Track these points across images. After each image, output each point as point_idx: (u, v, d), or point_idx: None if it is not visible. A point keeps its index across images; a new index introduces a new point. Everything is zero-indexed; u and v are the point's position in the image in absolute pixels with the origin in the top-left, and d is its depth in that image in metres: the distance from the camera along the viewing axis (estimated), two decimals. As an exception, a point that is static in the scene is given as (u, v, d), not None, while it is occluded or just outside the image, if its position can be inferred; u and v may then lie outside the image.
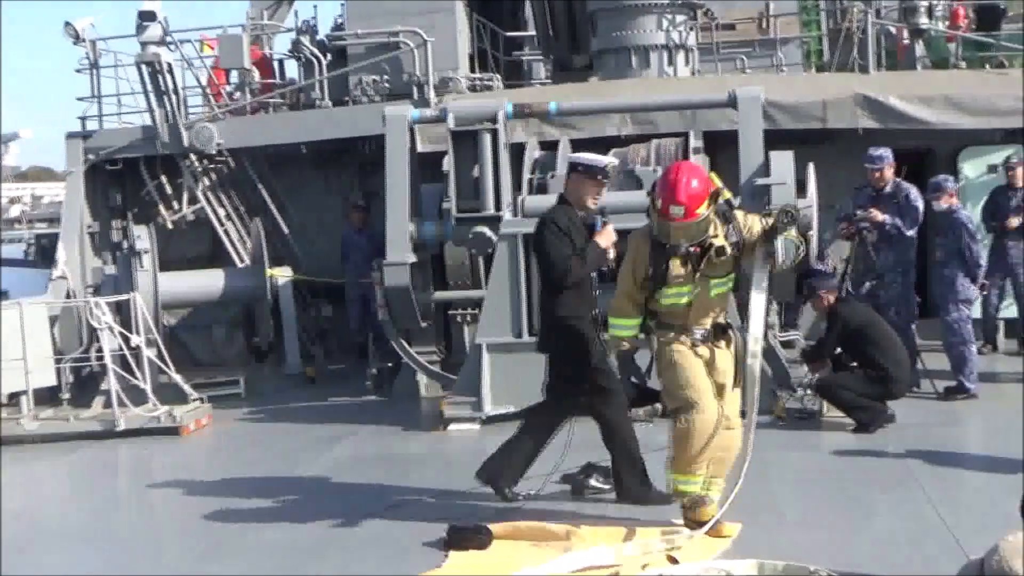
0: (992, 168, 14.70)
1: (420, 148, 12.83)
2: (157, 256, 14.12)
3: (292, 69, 19.10)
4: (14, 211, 54.32)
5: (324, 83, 16.87)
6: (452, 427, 10.98)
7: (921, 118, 14.56)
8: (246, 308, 16.08)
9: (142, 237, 14.05)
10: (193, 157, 16.27)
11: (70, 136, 16.79)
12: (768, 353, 11.48)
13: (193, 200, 16.67)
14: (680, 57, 16.42)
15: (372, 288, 12.39)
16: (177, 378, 12.32)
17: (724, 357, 7.06)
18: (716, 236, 6.85)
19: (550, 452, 8.43)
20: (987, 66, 16.44)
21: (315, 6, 33.97)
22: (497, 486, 8.08)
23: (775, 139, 12.04)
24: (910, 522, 7.35)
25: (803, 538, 7.06)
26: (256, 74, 18.04)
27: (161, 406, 11.78)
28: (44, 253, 22.97)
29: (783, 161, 11.25)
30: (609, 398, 7.92)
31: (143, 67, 15.42)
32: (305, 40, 17.69)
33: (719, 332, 7.05)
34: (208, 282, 15.17)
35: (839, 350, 10.64)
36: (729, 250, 6.88)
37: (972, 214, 12.32)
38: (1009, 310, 14.27)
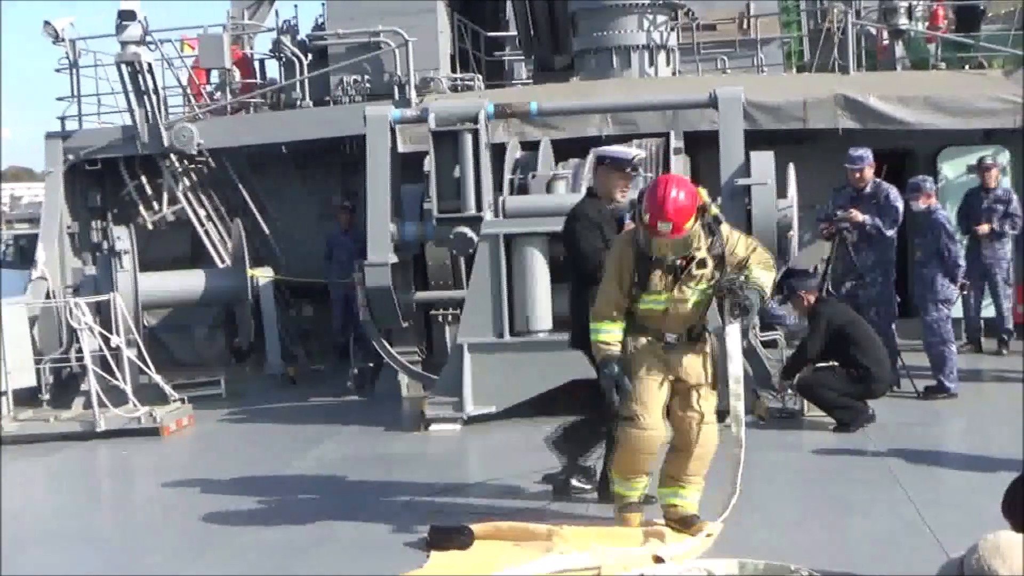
0: (971, 168, 14.76)
1: (401, 148, 12.82)
2: (137, 257, 14.07)
3: (273, 69, 19.11)
4: (-7, 212, 54.17)
5: (305, 83, 16.86)
6: (433, 427, 10.97)
7: (901, 118, 14.63)
8: (227, 309, 16.04)
9: (122, 237, 13.99)
10: (173, 157, 16.24)
11: (49, 136, 16.74)
12: (749, 353, 11.55)
13: (173, 200, 16.63)
14: (661, 57, 16.46)
15: (355, 288, 12.38)
16: (158, 379, 12.28)
17: (695, 360, 7.05)
18: (699, 248, 6.84)
19: (536, 451, 8.45)
20: (967, 67, 16.52)
21: (296, 6, 34.11)
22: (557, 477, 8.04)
23: (756, 139, 12.08)
24: (890, 521, 7.37)
25: (784, 537, 7.08)
26: (237, 74, 18.03)
27: (141, 407, 11.73)
28: (23, 254, 22.96)
29: (763, 161, 11.28)
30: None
31: (123, 67, 15.39)
32: (286, 40, 17.68)
33: (693, 336, 7.06)
34: (189, 283, 15.12)
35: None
36: (711, 263, 6.88)
37: (951, 214, 12.35)
38: (988, 310, 14.36)
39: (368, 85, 16.70)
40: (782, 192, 11.50)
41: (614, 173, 7.85)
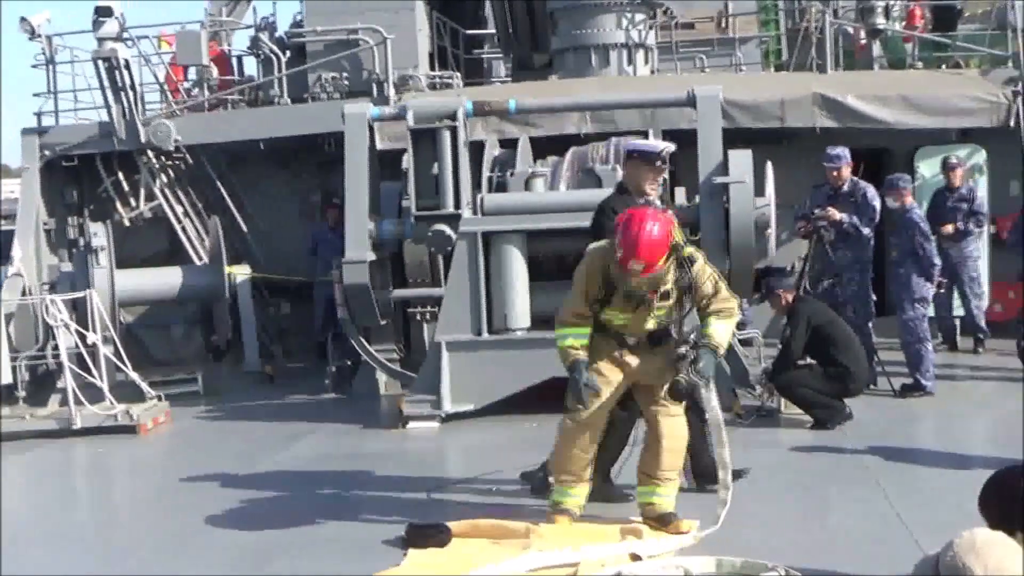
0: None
1: (380, 146, 12.80)
2: (114, 253, 14.01)
3: (251, 66, 19.04)
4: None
5: (283, 80, 16.82)
6: (411, 425, 10.96)
7: (878, 118, 14.70)
8: (204, 306, 15.98)
9: (99, 234, 13.93)
10: (150, 154, 16.17)
11: (26, 132, 16.64)
12: (728, 351, 11.57)
13: (150, 197, 16.57)
14: (639, 56, 16.48)
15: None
16: (134, 376, 12.24)
17: (655, 361, 7.09)
18: (667, 282, 6.83)
19: (513, 449, 8.45)
20: (943, 66, 16.60)
21: (274, 3, 33.74)
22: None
23: (734, 138, 12.10)
24: (867, 518, 7.39)
25: (761, 534, 7.09)
26: (214, 71, 17.96)
27: (118, 404, 11.68)
28: (-1, 250, 22.77)
29: (741, 160, 11.29)
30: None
31: (100, 63, 15.30)
32: (264, 37, 17.63)
33: (655, 339, 7.07)
34: (166, 280, 15.07)
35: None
36: (675, 294, 6.91)
37: (920, 212, 12.34)
38: (960, 309, 14.48)
39: (346, 82, 16.67)
40: (760, 190, 11.52)
41: (643, 166, 7.81)
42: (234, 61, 19.46)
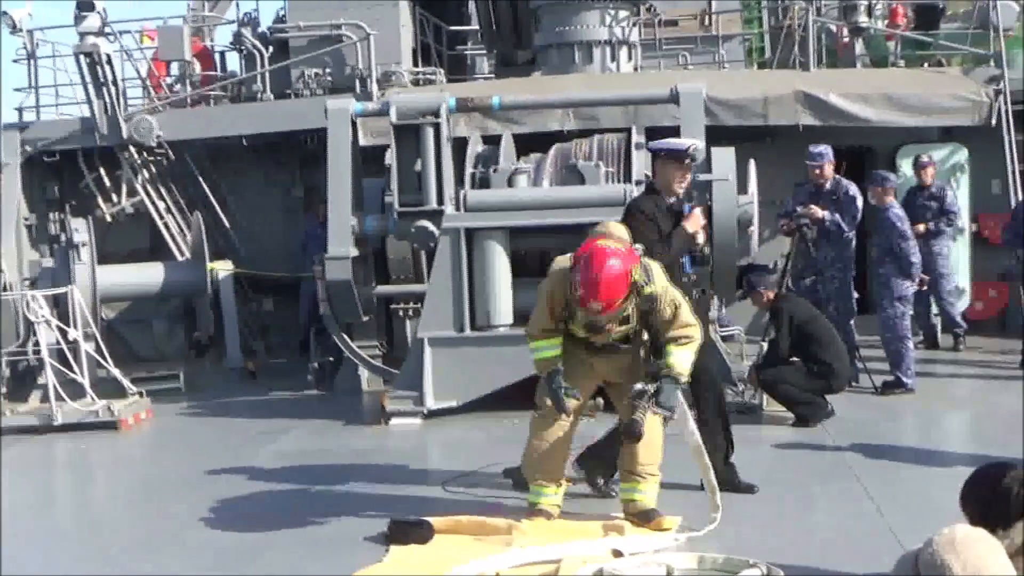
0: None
1: (362, 142, 12.79)
2: (95, 249, 13.96)
3: (233, 62, 18.98)
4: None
5: (266, 76, 16.77)
6: (394, 421, 10.95)
7: (861, 116, 14.73)
8: (186, 302, 15.92)
9: (80, 230, 13.89)
10: (132, 149, 16.11)
11: (7, 127, 16.57)
12: (709, 347, 11.58)
13: (132, 193, 16.50)
14: (623, 53, 16.47)
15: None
16: (115, 372, 12.19)
17: (620, 362, 7.14)
18: (626, 307, 6.80)
19: (496, 445, 8.44)
20: (926, 65, 16.64)
21: (257, -2, 33.73)
22: (591, 478, 7.95)
23: (717, 135, 12.12)
24: (848, 515, 7.42)
25: (742, 531, 7.11)
26: (197, 66, 17.90)
27: (99, 400, 11.64)
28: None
29: (725, 157, 11.30)
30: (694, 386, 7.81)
31: (81, 58, 15.25)
32: (247, 32, 17.56)
33: (623, 341, 7.09)
34: (147, 276, 15.02)
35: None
36: (635, 319, 6.92)
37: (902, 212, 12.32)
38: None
39: (329, 78, 16.62)
40: (743, 188, 11.54)
41: (671, 164, 7.81)
42: (217, 57, 19.37)
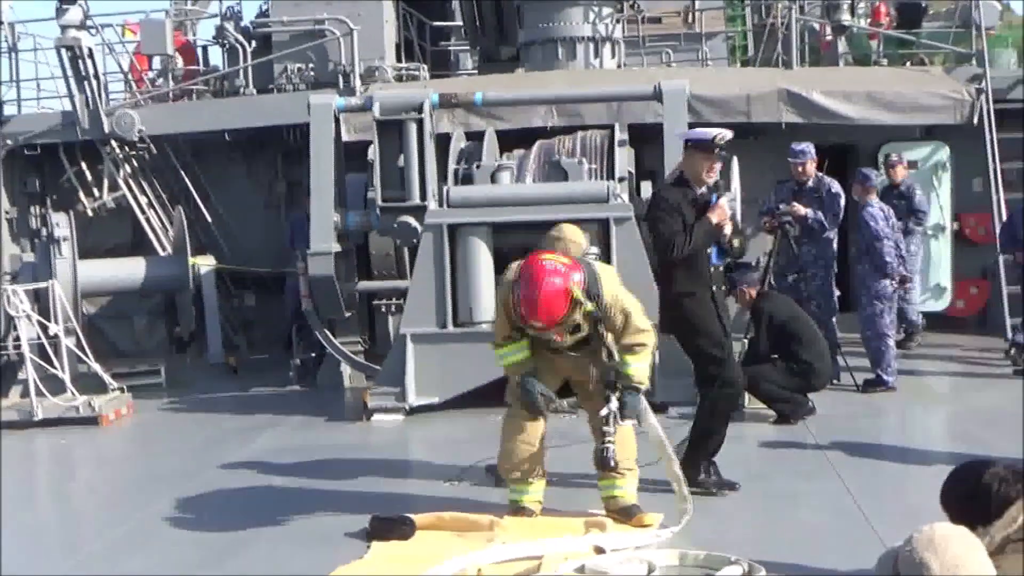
0: (912, 164, 14.92)
1: (345, 137, 12.76)
2: (77, 244, 13.91)
3: (216, 56, 18.93)
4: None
5: (248, 70, 16.72)
6: (376, 417, 10.94)
7: (843, 114, 14.74)
8: (168, 297, 15.88)
9: (61, 224, 13.83)
10: (114, 144, 16.04)
11: (-12, 121, 16.50)
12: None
13: (114, 187, 16.45)
14: (606, 50, 16.47)
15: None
16: (96, 367, 12.16)
17: (583, 361, 7.16)
18: (574, 318, 6.81)
19: (478, 441, 8.43)
20: (908, 63, 16.69)
21: (240, -7, 33.63)
22: (700, 483, 7.83)
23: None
24: (829, 512, 7.44)
25: (723, 528, 7.13)
26: (179, 60, 17.84)
27: (80, 396, 11.61)
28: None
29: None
30: (713, 377, 7.78)
31: (63, 51, 15.18)
32: (229, 26, 17.50)
33: (583, 342, 7.10)
34: (129, 270, 14.97)
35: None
36: (586, 327, 6.92)
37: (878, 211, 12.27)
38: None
39: (312, 73, 16.58)
40: (725, 185, 11.54)
41: (698, 154, 7.74)
42: (199, 51, 19.33)
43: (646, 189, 12.52)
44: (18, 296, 12.06)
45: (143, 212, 16.28)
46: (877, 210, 11.72)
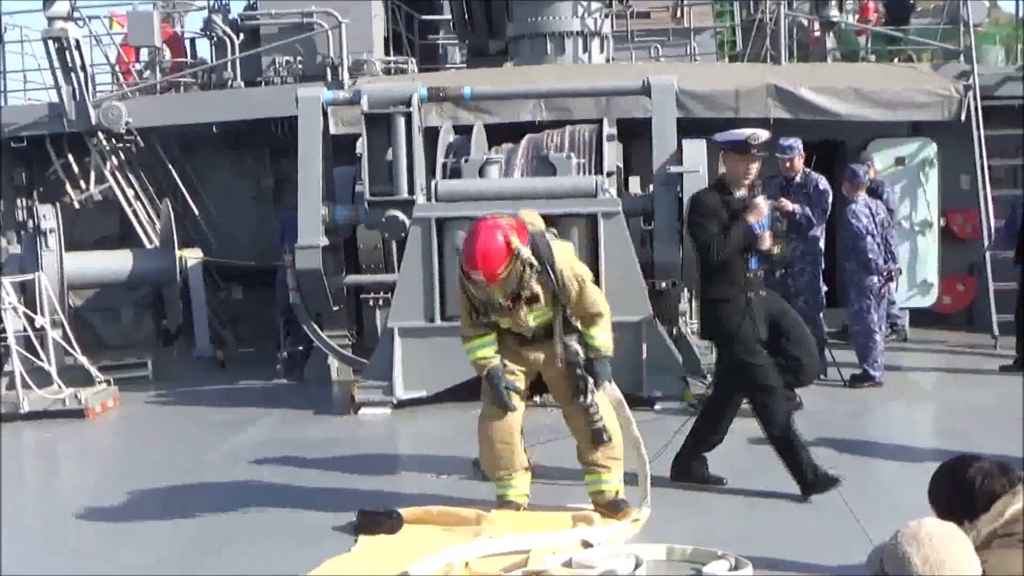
0: (900, 160, 14.96)
1: (333, 130, 12.74)
2: (63, 236, 13.87)
3: (204, 48, 18.89)
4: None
5: (236, 63, 16.68)
6: (363, 411, 10.94)
7: (831, 110, 14.77)
8: (155, 290, 15.85)
9: (48, 216, 13.80)
10: (101, 136, 15.99)
11: (-27, 113, 16.45)
12: (680, 341, 11.62)
13: (101, 179, 16.41)
14: (595, 44, 16.48)
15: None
16: (83, 360, 12.13)
17: (551, 349, 7.12)
18: (528, 284, 6.83)
19: (465, 436, 8.42)
20: (896, 59, 16.72)
21: (228, -15, 33.56)
22: (697, 476, 7.97)
23: (688, 127, 12.12)
24: (815, 507, 7.45)
25: (711, 523, 7.14)
26: (167, 53, 17.80)
27: (66, 388, 11.57)
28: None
29: (696, 149, 11.33)
30: (748, 388, 7.78)
31: (50, 43, 15.13)
32: (217, 19, 17.47)
33: (550, 332, 7.10)
34: (116, 263, 14.94)
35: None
36: (543, 296, 6.92)
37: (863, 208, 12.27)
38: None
39: (300, 66, 16.55)
40: (713, 180, 11.56)
41: (734, 156, 7.70)
42: (187, 43, 19.28)
43: (634, 184, 12.53)
44: (4, 288, 12.01)
45: (130, 205, 16.23)
46: (862, 207, 11.74)
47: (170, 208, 15.05)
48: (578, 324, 7.05)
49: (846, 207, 11.74)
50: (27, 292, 12.54)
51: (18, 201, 16.84)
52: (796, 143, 11.96)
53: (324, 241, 11.69)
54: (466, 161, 11.88)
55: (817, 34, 17.90)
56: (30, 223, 14.73)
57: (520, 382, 7.18)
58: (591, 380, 6.99)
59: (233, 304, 16.61)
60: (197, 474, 8.83)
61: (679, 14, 19.82)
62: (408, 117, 11.41)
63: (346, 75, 15.65)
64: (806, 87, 14.80)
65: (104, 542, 7.33)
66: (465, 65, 19.18)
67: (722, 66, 18.90)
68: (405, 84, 12.85)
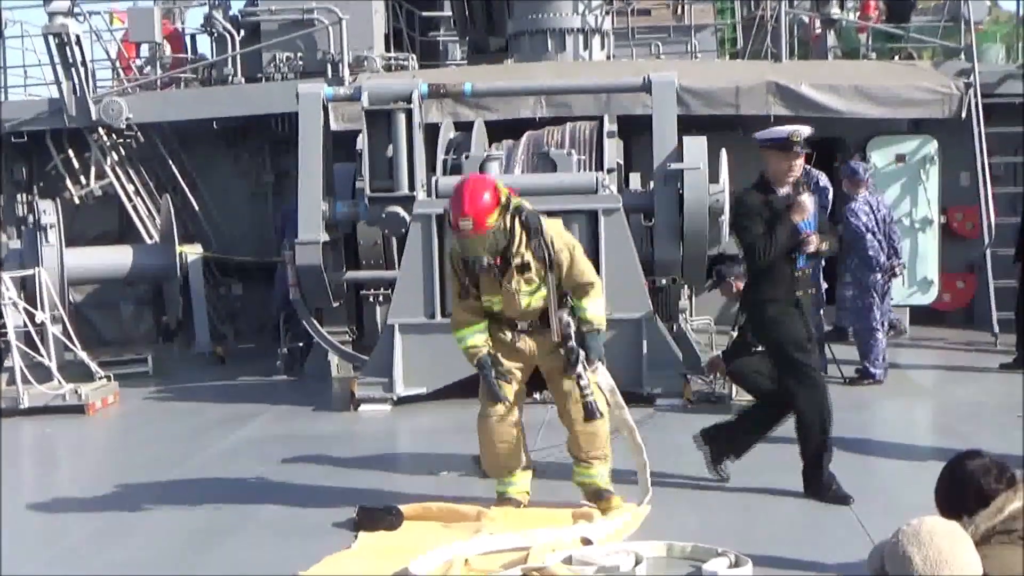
0: (900, 157, 14.96)
1: (334, 126, 12.72)
2: (63, 231, 13.87)
3: (204, 44, 18.87)
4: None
5: (237, 59, 16.68)
6: (363, 408, 10.94)
7: (831, 107, 14.75)
8: (155, 286, 15.85)
9: (48, 212, 13.79)
10: (101, 131, 15.99)
11: (-27, 108, 16.44)
12: (679, 337, 11.63)
13: (101, 175, 16.39)
14: (595, 41, 16.46)
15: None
16: (83, 356, 12.12)
17: (545, 345, 7.13)
18: (517, 252, 6.86)
19: (465, 432, 8.42)
20: (896, 57, 16.71)
21: (228, -19, 33.54)
22: (713, 458, 7.94)
23: (688, 124, 12.13)
24: (816, 504, 7.44)
25: (711, 520, 7.14)
26: (167, 48, 17.79)
27: (66, 384, 11.58)
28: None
29: (696, 146, 11.32)
30: (794, 386, 7.66)
31: (50, 38, 15.12)
32: (218, 15, 17.46)
33: (545, 322, 7.09)
34: (116, 258, 14.93)
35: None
36: (535, 265, 6.91)
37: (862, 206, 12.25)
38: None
39: (301, 62, 16.55)
40: (714, 177, 11.56)
41: (775, 154, 7.65)
42: (187, 39, 19.27)
43: (634, 180, 12.53)
44: (4, 283, 12.00)
45: (130, 200, 16.23)
46: (861, 204, 11.74)
47: (170, 204, 15.04)
48: (570, 297, 7.04)
49: (846, 205, 11.73)
50: (27, 287, 12.54)
51: (18, 196, 16.83)
52: (797, 141, 11.93)
53: (324, 237, 11.69)
54: (466, 157, 11.88)
55: (818, 31, 17.90)
56: (30, 218, 14.73)
57: (516, 379, 7.17)
58: (582, 353, 6.96)
59: (233, 299, 16.61)
60: (196, 470, 8.84)
61: (680, 11, 19.82)
62: (408, 113, 11.40)
63: (347, 71, 15.65)
64: (806, 84, 14.79)
65: (103, 537, 7.33)
66: (466, 62, 19.17)
67: (722, 63, 18.91)
68: (406, 80, 12.85)
